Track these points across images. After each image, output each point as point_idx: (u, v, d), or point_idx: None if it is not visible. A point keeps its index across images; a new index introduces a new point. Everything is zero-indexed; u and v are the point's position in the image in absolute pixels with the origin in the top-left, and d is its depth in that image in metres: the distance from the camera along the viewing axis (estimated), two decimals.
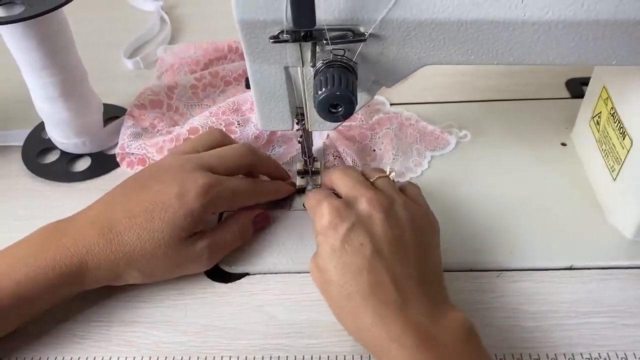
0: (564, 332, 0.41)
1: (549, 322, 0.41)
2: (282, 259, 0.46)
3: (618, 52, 0.35)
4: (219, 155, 0.45)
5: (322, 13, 0.34)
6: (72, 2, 0.45)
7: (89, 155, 0.56)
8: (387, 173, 0.44)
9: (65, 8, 0.45)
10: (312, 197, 0.42)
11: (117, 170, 0.54)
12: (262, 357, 0.40)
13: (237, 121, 0.54)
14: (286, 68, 0.39)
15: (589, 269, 0.44)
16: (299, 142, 0.49)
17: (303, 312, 0.43)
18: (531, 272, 0.44)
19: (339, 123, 0.43)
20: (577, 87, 0.60)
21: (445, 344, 0.35)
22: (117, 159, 0.54)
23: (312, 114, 0.42)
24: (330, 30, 0.35)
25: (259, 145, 0.54)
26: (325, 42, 0.35)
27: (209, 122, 0.53)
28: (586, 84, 0.51)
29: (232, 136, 0.51)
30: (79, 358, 0.41)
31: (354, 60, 0.36)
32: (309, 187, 0.51)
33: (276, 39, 0.36)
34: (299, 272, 0.45)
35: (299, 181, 0.51)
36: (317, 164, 0.52)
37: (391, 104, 0.59)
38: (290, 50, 0.37)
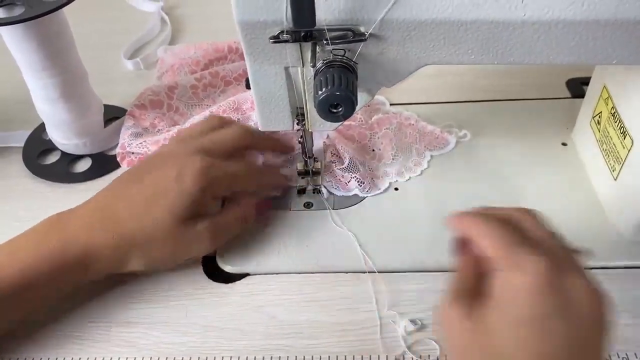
0: None
1: None
2: (283, 260, 0.46)
3: (618, 52, 0.35)
4: (216, 138, 0.45)
5: (322, 13, 0.34)
6: (72, 3, 0.45)
7: (90, 156, 0.56)
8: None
9: (65, 9, 0.45)
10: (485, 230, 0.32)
11: (118, 170, 0.54)
12: (263, 358, 0.40)
13: (238, 119, 0.54)
14: (286, 68, 0.39)
15: (589, 268, 0.44)
16: (299, 142, 0.49)
17: (303, 313, 0.42)
18: None
19: (339, 123, 0.43)
20: (577, 87, 0.60)
21: None
22: (118, 159, 0.54)
23: (312, 114, 0.42)
24: (330, 30, 0.35)
25: None
26: (325, 42, 0.35)
27: None
28: (587, 83, 0.51)
29: None
30: (80, 359, 0.41)
31: (354, 60, 0.36)
32: (309, 187, 0.51)
33: (276, 39, 0.36)
34: (300, 273, 0.45)
35: (299, 182, 0.51)
36: (318, 164, 0.52)
37: (391, 104, 0.59)
38: (290, 51, 0.37)
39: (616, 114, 0.45)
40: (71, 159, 0.56)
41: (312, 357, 0.40)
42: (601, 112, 0.48)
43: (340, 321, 0.42)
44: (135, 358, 0.41)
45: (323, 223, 0.48)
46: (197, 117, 0.54)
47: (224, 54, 0.64)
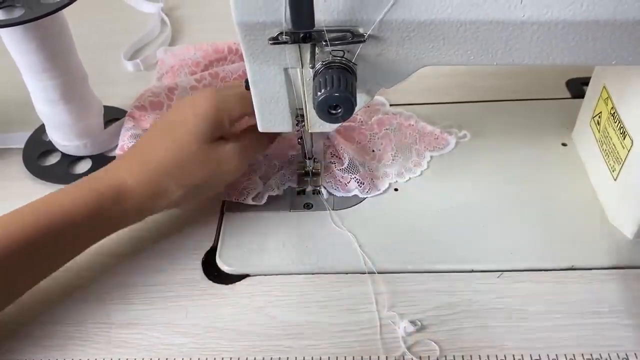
0: (565, 333, 0.41)
1: (550, 322, 0.41)
2: (283, 260, 0.46)
3: (618, 52, 0.35)
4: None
5: (321, 14, 0.34)
6: (72, 4, 0.45)
7: (90, 157, 0.56)
8: None
9: (65, 10, 0.45)
10: None
11: None
12: (263, 359, 0.40)
13: None
14: (285, 69, 0.39)
15: (590, 269, 0.44)
16: (299, 143, 0.49)
17: (303, 314, 0.42)
18: (532, 273, 0.44)
19: (339, 124, 0.43)
20: (577, 87, 0.60)
21: None
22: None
23: (311, 115, 0.42)
24: (329, 31, 0.35)
25: None
26: (324, 43, 0.35)
27: None
28: (586, 84, 0.51)
29: None
30: None
31: (353, 61, 0.36)
32: (309, 188, 0.51)
33: (275, 41, 0.36)
34: (300, 273, 0.45)
35: (299, 183, 0.51)
36: (318, 165, 0.52)
37: (391, 105, 0.59)
38: (289, 52, 0.37)
39: (616, 114, 0.45)
40: (71, 160, 0.56)
41: (312, 358, 0.40)
42: (601, 112, 0.47)
43: (340, 322, 0.42)
44: (135, 359, 0.41)
45: (323, 224, 0.48)
46: None
47: (223, 55, 0.64)
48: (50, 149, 0.57)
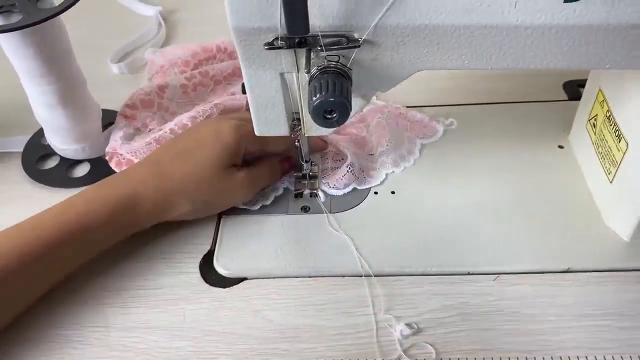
0: (561, 335, 0.41)
1: (546, 325, 0.41)
2: (280, 264, 0.46)
3: (611, 56, 0.35)
4: (243, 115, 0.50)
5: (316, 20, 0.34)
6: (71, 8, 0.45)
7: (88, 160, 0.56)
8: None
9: (64, 14, 0.45)
10: None
11: None
12: None
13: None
14: (281, 74, 0.39)
15: (586, 271, 0.44)
16: (296, 146, 0.49)
17: (300, 317, 0.43)
18: (528, 275, 0.44)
19: (335, 128, 0.43)
20: (574, 89, 0.60)
21: None
22: (106, 158, 0.54)
23: (308, 119, 0.42)
24: (324, 36, 0.35)
25: None
26: (319, 48, 0.35)
27: (199, 117, 0.54)
28: (583, 86, 0.51)
29: None
30: None
31: (348, 66, 0.37)
32: (306, 191, 0.51)
33: (271, 46, 0.36)
34: (297, 277, 0.45)
35: (296, 185, 0.51)
36: (315, 168, 0.52)
37: None
38: (285, 57, 0.37)
39: (611, 117, 0.45)
40: (70, 163, 0.56)
41: None
42: (597, 115, 0.48)
43: (336, 325, 0.42)
44: None
45: (320, 227, 0.48)
46: (185, 115, 0.55)
47: (212, 54, 0.65)
48: (49, 152, 0.57)
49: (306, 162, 0.50)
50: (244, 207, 0.50)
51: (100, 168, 0.55)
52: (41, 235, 0.42)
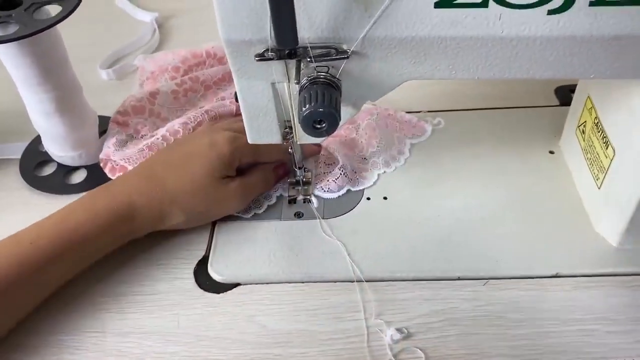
0: (550, 340, 0.41)
1: (534, 330, 0.42)
2: (273, 269, 0.46)
3: (595, 67, 0.36)
4: (236, 125, 0.51)
5: (305, 32, 0.35)
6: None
7: (85, 167, 0.57)
8: None
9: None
10: None
11: None
12: None
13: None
14: (273, 84, 0.40)
15: (574, 276, 0.45)
16: (289, 153, 0.50)
17: (293, 322, 0.43)
18: (517, 280, 0.45)
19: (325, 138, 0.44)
20: (566, 95, 0.61)
21: None
22: (101, 164, 0.55)
23: (300, 127, 0.43)
24: (313, 48, 0.36)
25: None
26: (309, 59, 0.36)
27: (190, 123, 0.55)
28: (575, 91, 0.52)
29: None
30: None
31: (337, 76, 0.37)
32: (300, 197, 0.52)
33: (262, 57, 0.37)
34: (290, 282, 0.46)
35: (290, 192, 0.52)
36: (308, 174, 0.53)
37: None
38: (276, 67, 0.38)
39: (599, 124, 0.45)
40: (67, 170, 0.57)
41: None
42: (585, 121, 0.48)
43: (328, 330, 0.43)
44: None
45: (313, 233, 0.49)
46: (176, 121, 0.55)
47: (202, 59, 0.66)
48: (47, 159, 0.58)
49: (299, 168, 0.51)
50: (238, 214, 0.50)
51: (97, 174, 0.56)
52: (40, 245, 0.43)
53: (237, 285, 0.46)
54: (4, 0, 0.46)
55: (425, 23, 0.34)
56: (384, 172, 0.53)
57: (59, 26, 0.47)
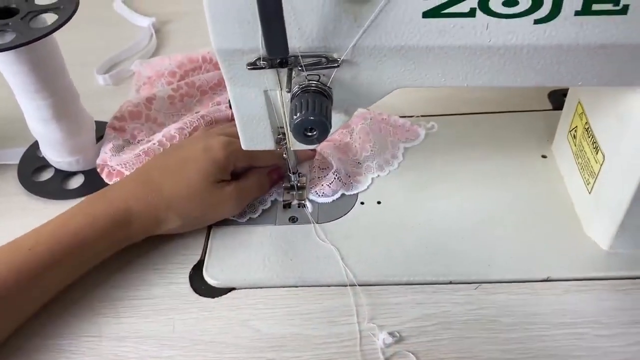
0: (541, 343, 0.42)
1: (526, 333, 0.42)
2: (267, 274, 0.47)
3: (582, 75, 0.36)
4: (230, 130, 0.51)
5: (296, 41, 0.35)
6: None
7: (82, 172, 0.57)
8: None
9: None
10: None
11: None
12: None
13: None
14: (265, 91, 0.40)
15: (565, 280, 0.45)
16: (284, 159, 0.50)
17: (287, 326, 0.44)
18: (508, 284, 0.45)
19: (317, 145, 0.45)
20: (559, 99, 0.61)
21: None
22: (98, 170, 0.56)
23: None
24: (304, 57, 0.36)
25: None
26: (300, 68, 0.37)
27: (186, 129, 0.56)
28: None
29: None
30: None
31: (328, 84, 0.38)
32: (294, 202, 0.52)
33: (254, 66, 0.37)
34: (284, 287, 0.46)
35: (284, 196, 0.53)
36: (303, 179, 0.53)
37: None
38: (268, 76, 0.39)
39: (589, 129, 0.46)
40: (64, 175, 0.57)
41: None
42: (577, 126, 0.49)
43: (321, 334, 0.43)
44: None
45: (307, 237, 0.49)
46: (172, 126, 0.56)
47: (198, 64, 0.66)
48: (45, 164, 0.58)
49: (293, 173, 0.51)
50: (233, 219, 0.51)
51: (94, 180, 0.56)
52: (39, 251, 0.43)
53: (232, 289, 0.47)
54: (1, 9, 0.47)
55: (414, 32, 0.35)
56: (378, 176, 0.54)
57: (56, 32, 0.47)
